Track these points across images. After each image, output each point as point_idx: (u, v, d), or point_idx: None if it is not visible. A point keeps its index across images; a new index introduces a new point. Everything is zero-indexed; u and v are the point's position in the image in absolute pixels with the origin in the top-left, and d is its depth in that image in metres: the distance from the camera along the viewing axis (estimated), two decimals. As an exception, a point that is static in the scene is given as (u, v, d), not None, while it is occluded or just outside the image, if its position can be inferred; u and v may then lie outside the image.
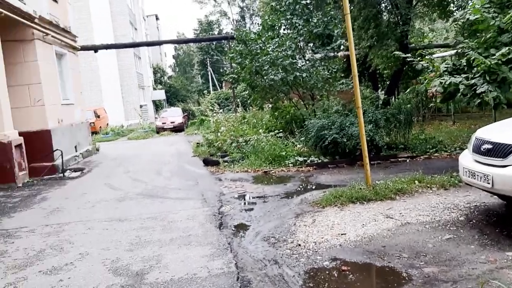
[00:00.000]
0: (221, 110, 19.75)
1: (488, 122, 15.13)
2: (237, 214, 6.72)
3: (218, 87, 50.86)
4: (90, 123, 23.10)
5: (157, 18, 72.65)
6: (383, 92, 20.44)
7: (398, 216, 5.70)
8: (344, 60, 16.48)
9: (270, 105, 14.34)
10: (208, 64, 59.24)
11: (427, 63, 7.70)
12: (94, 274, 4.62)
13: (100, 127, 28.48)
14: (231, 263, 4.65)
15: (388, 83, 21.41)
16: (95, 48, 21.82)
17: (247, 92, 26.07)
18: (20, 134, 11.03)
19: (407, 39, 17.14)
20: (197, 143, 15.98)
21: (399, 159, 10.05)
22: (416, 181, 7.02)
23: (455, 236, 4.87)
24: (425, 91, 20.80)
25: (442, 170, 7.93)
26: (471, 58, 6.85)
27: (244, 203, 7.45)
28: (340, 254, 4.72)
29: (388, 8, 16.56)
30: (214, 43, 59.74)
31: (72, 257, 5.19)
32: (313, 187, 8.18)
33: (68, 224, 6.77)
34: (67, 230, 6.41)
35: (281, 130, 12.38)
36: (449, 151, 10.31)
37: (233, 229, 6.01)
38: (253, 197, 7.76)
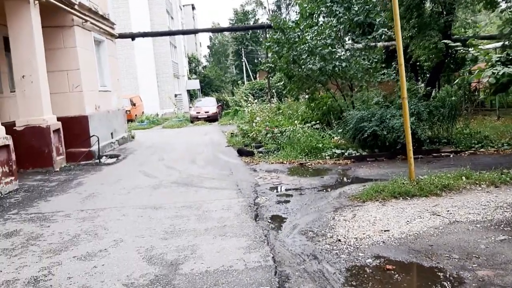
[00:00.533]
0: (255, 101, 19.54)
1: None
2: (273, 206, 6.52)
3: (252, 78, 50.66)
4: (126, 110, 23.37)
5: (193, 8, 72.90)
6: (423, 84, 19.75)
7: (446, 214, 5.36)
8: (384, 51, 15.95)
9: (306, 96, 14.02)
10: (243, 54, 59.08)
11: (478, 52, 7.24)
12: (128, 261, 4.53)
13: (136, 115, 28.80)
14: (268, 256, 4.45)
15: (428, 75, 20.69)
16: (133, 36, 21.94)
17: (282, 83, 25.89)
18: (58, 119, 11.15)
19: (451, 29, 16.43)
20: (231, 133, 15.87)
21: (442, 154, 9.60)
22: (463, 177, 6.62)
23: (510, 237, 4.51)
24: (469, 84, 20.04)
25: (490, 167, 7.52)
26: (528, 47, 6.37)
27: (280, 195, 7.24)
28: (383, 252, 4.46)
29: (431, -4, 15.88)
30: (249, 33, 59.41)
31: (106, 244, 5.12)
32: (352, 181, 7.88)
33: (103, 210, 6.74)
34: (102, 216, 6.38)
35: (317, 122, 12.06)
36: (496, 146, 9.77)
37: (269, 221, 5.81)
38: (289, 189, 7.54)
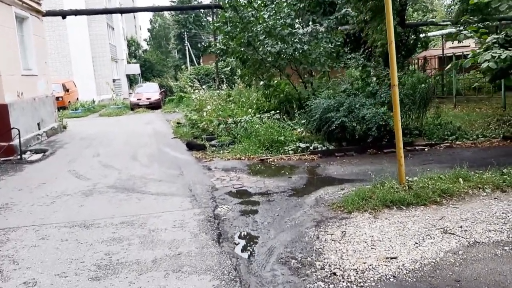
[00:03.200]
0: (203, 87, 18.01)
1: (491, 105, 13.96)
2: (237, 219, 5.24)
3: (196, 63, 48.65)
4: (58, 97, 21.04)
5: (132, -12, 69.09)
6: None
7: (460, 232, 4.30)
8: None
9: (261, 82, 12.73)
10: (186, 39, 56.68)
11: (470, 32, 6.27)
12: (41, 323, 3.10)
13: (69, 101, 26.24)
14: (245, 308, 3.19)
15: (382, 61, 20.13)
16: (63, 14, 19.54)
17: (229, 68, 24.41)
18: (-32, 108, 9.21)
19: (405, 13, 15.83)
20: (178, 123, 14.34)
21: (417, 148, 8.67)
22: (460, 179, 5.62)
23: (555, 267, 3.52)
24: (424, 71, 19.68)
25: (475, 162, 6.71)
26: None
27: (244, 202, 5.94)
28: (398, 293, 3.32)
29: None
30: (192, 16, 57.10)
31: (12, 290, 3.64)
32: (325, 182, 6.71)
33: (17, 229, 5.16)
34: (13, 240, 4.82)
35: (277, 111, 10.81)
36: (471, 138, 9.00)
37: (236, 242, 4.54)
38: (254, 194, 6.27)
